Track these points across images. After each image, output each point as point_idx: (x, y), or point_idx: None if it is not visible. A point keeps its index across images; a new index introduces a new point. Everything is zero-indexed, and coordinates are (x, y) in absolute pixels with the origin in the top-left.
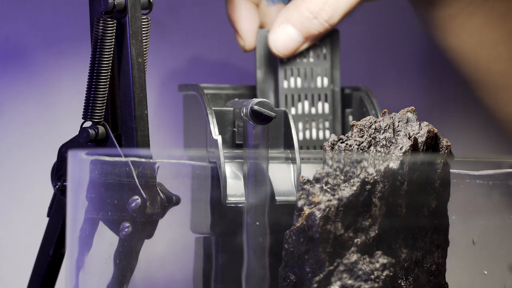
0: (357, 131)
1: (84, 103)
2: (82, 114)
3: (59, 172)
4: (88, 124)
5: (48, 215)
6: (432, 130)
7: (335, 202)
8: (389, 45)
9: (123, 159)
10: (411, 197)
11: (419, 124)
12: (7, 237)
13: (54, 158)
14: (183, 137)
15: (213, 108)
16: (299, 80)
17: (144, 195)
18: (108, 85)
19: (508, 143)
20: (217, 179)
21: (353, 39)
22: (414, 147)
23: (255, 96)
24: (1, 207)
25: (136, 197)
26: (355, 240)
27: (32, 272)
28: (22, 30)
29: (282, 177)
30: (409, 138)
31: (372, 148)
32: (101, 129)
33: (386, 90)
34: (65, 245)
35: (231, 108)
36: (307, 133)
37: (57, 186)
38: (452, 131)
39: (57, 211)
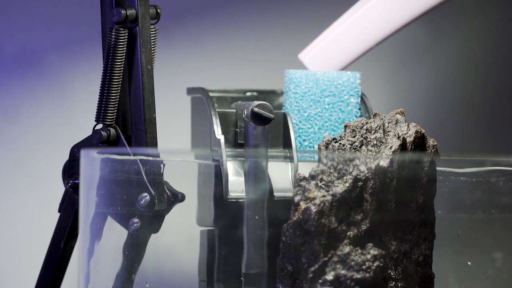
0: (350, 131)
1: (97, 107)
2: (95, 117)
3: (70, 171)
4: (99, 126)
5: (59, 211)
6: (419, 130)
7: (329, 197)
8: (381, 52)
9: (132, 157)
10: (400, 193)
11: (408, 125)
12: (22, 230)
13: (66, 157)
14: (191, 137)
15: (217, 110)
16: None
17: (153, 192)
18: (119, 91)
19: (505, 143)
20: (220, 176)
21: None
22: (403, 147)
23: (258, 99)
24: (17, 201)
25: (145, 194)
26: (348, 233)
27: (44, 263)
28: (37, 37)
29: (280, 174)
30: (398, 138)
31: (363, 147)
32: (112, 131)
33: (379, 94)
34: (74, 238)
35: (234, 110)
36: None
37: (69, 184)
38: (443, 131)
39: (67, 207)
